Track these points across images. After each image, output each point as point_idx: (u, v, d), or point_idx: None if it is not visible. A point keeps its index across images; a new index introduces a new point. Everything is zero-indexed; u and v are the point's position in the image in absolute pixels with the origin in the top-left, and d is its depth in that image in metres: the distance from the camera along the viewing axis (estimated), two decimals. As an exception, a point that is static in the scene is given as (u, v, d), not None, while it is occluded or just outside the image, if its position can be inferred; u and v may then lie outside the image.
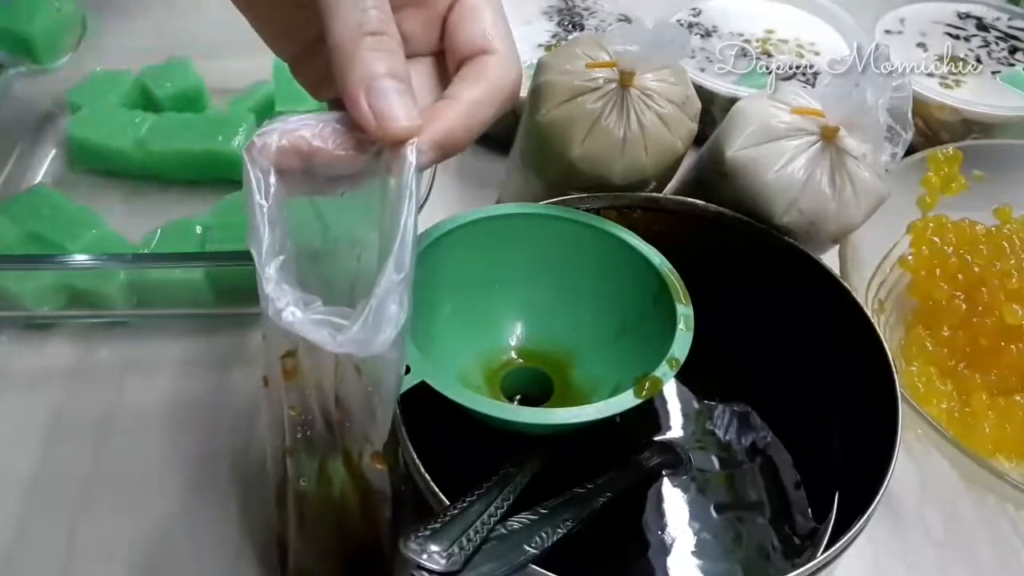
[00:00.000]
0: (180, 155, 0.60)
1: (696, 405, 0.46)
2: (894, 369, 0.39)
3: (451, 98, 0.33)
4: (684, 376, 0.39)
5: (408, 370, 0.34)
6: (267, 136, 0.30)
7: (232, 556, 0.44)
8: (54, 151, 0.64)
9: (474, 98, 0.33)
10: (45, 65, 0.65)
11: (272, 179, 0.30)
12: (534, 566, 0.31)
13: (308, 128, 0.31)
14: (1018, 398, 0.48)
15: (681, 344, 0.37)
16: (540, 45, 0.69)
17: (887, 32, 0.73)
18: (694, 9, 0.75)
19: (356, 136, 0.31)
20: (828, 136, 0.43)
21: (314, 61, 0.36)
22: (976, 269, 0.52)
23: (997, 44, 0.72)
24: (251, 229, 0.30)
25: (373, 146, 0.31)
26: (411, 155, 0.31)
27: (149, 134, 0.61)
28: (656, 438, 0.44)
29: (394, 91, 0.30)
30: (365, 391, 0.33)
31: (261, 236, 0.29)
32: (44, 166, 0.63)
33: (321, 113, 0.32)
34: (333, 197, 0.33)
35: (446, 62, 0.36)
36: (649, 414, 0.45)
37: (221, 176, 0.60)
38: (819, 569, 0.33)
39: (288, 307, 0.28)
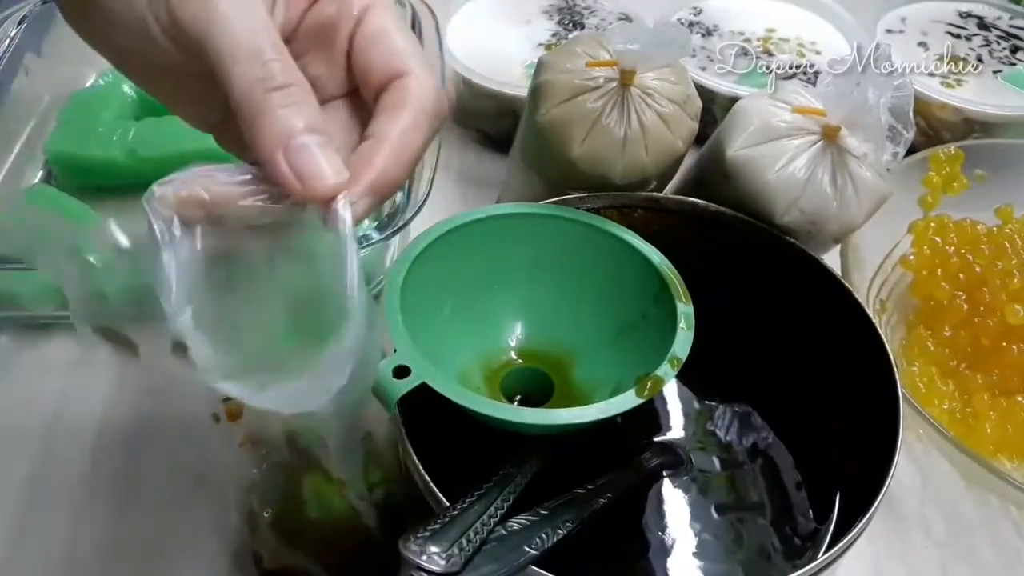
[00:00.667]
0: (176, 158, 0.59)
1: (697, 405, 0.45)
2: (895, 369, 0.39)
3: (376, 137, 0.31)
4: (685, 376, 0.39)
5: (408, 372, 0.34)
6: (167, 186, 0.29)
7: (229, 557, 0.44)
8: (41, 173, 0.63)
9: (400, 130, 0.31)
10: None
11: (177, 229, 0.28)
12: (534, 567, 0.31)
13: (214, 179, 0.29)
14: (1020, 398, 0.48)
15: (682, 343, 0.37)
16: (540, 44, 0.69)
17: (888, 31, 0.73)
18: (695, 8, 0.75)
19: (269, 188, 0.29)
20: (829, 135, 0.43)
21: (235, 126, 0.33)
22: (978, 269, 0.52)
23: (998, 43, 0.72)
24: (156, 284, 0.28)
25: (288, 197, 0.29)
26: (344, 212, 0.29)
27: (137, 141, 0.59)
28: (657, 439, 0.44)
29: (315, 146, 0.28)
30: (313, 430, 0.33)
31: (169, 290, 0.28)
32: (42, 164, 0.62)
33: (235, 164, 0.30)
34: (253, 248, 0.30)
35: (361, 99, 0.33)
36: (650, 414, 0.45)
37: None
38: (820, 570, 0.33)
39: (204, 361, 0.27)
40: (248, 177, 0.29)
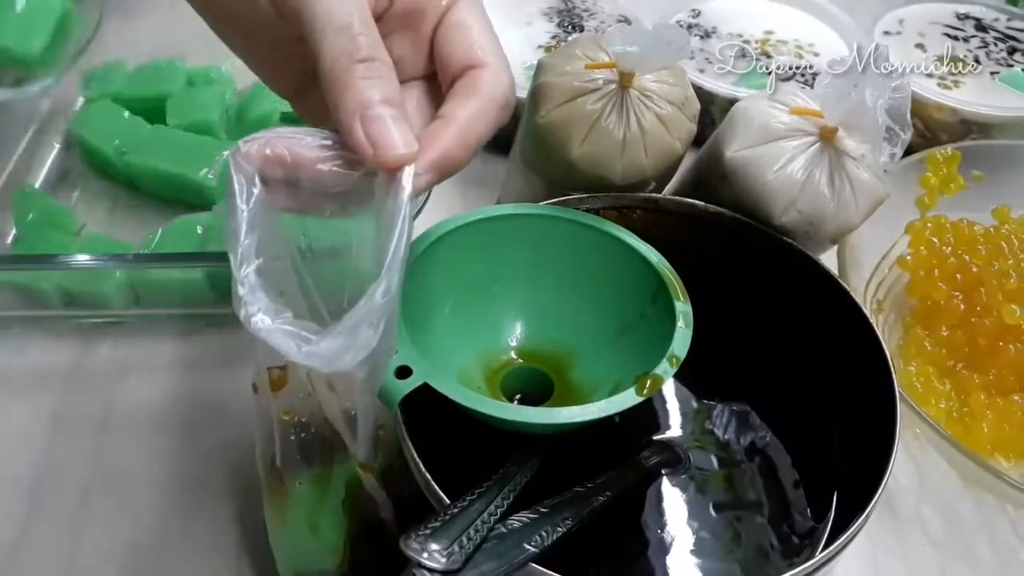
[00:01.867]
0: (153, 173, 0.60)
1: (695, 404, 0.46)
2: (893, 369, 0.39)
3: (445, 118, 0.33)
4: (683, 376, 0.39)
5: (410, 372, 0.34)
6: (253, 143, 0.30)
7: (232, 556, 0.44)
8: (58, 147, 0.64)
9: (468, 114, 0.33)
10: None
11: (256, 186, 0.30)
12: (534, 565, 0.31)
13: (297, 141, 0.31)
14: (1016, 398, 0.49)
15: (681, 342, 0.37)
16: (540, 46, 0.70)
17: (886, 33, 0.73)
18: (694, 10, 0.75)
19: (346, 155, 0.31)
20: (827, 137, 0.44)
21: (315, 94, 0.35)
22: (974, 269, 0.52)
23: (996, 45, 0.73)
24: (229, 232, 0.29)
25: (364, 166, 0.31)
26: (406, 181, 0.30)
27: (130, 144, 0.60)
28: (655, 437, 0.44)
29: (389, 118, 0.30)
30: (343, 406, 0.33)
31: (239, 239, 0.29)
32: (48, 162, 0.63)
33: (317, 129, 0.31)
34: (320, 215, 0.32)
35: (438, 83, 0.35)
36: (648, 413, 0.45)
37: (190, 201, 0.59)
38: (817, 568, 0.33)
39: (258, 313, 0.28)
40: (328, 143, 0.31)
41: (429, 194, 0.51)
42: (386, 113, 0.30)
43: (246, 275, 0.29)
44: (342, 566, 0.39)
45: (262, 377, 0.34)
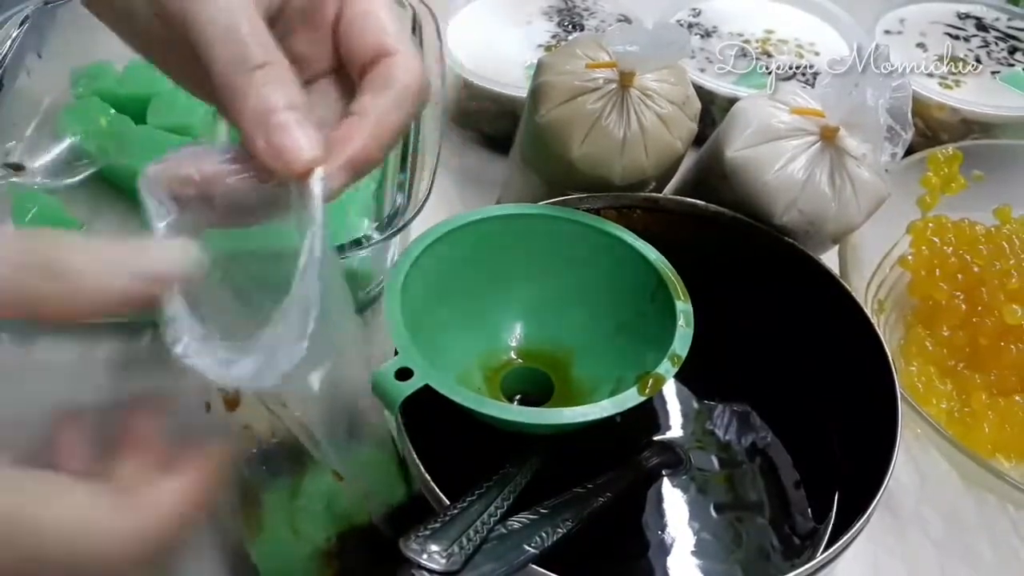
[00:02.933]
0: (132, 173, 0.59)
1: (696, 405, 0.46)
2: (894, 369, 0.39)
3: (358, 114, 0.31)
4: (684, 376, 0.39)
5: (411, 374, 0.34)
6: (159, 166, 0.29)
7: (231, 554, 0.44)
8: (54, 146, 0.63)
9: (383, 107, 0.31)
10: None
11: (172, 207, 0.29)
12: (534, 566, 0.31)
13: (205, 157, 0.30)
14: (1018, 398, 0.48)
15: (682, 341, 0.37)
16: (540, 45, 0.69)
17: (887, 32, 0.73)
18: (694, 9, 0.75)
19: (257, 165, 0.30)
20: (828, 136, 0.44)
21: None
22: (976, 269, 0.52)
23: (997, 44, 0.72)
24: None
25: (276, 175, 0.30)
26: (316, 187, 0.29)
27: (113, 143, 0.59)
28: (656, 438, 0.44)
29: (293, 123, 0.29)
30: (298, 420, 0.33)
31: None
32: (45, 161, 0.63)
33: (227, 143, 0.31)
34: (241, 227, 0.31)
35: (348, 76, 0.34)
36: (649, 414, 0.45)
37: None
38: (819, 569, 0.33)
39: (184, 338, 0.27)
40: (238, 156, 0.30)
41: (430, 191, 0.50)
42: (289, 118, 0.29)
43: (170, 299, 0.28)
44: (330, 569, 0.38)
45: (215, 398, 0.34)
